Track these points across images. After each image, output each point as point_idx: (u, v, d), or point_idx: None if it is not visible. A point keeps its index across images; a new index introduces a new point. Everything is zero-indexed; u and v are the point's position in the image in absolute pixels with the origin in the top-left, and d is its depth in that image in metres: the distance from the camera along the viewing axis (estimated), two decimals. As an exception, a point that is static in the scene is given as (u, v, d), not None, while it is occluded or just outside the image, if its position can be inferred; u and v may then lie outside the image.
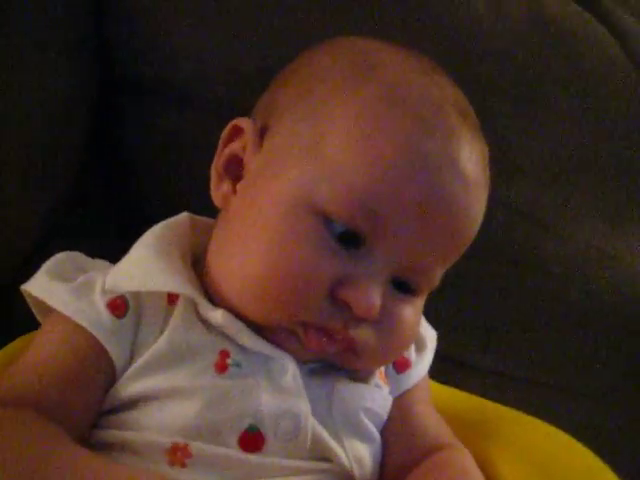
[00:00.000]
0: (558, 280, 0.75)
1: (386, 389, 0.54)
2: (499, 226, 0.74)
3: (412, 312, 0.51)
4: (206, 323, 0.49)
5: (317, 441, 0.48)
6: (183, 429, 0.46)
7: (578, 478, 0.48)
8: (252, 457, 0.46)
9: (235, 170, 0.52)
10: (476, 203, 0.49)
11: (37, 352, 0.49)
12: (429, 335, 0.59)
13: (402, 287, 0.50)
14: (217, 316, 0.49)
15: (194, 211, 0.57)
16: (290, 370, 0.49)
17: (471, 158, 0.48)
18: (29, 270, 0.53)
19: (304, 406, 0.48)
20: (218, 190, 0.52)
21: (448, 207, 0.47)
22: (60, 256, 0.53)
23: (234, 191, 0.51)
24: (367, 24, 0.74)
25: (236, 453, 0.46)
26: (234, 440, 0.46)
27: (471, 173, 0.48)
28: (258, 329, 0.49)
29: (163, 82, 0.72)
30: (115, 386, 0.48)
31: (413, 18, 0.75)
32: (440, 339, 0.73)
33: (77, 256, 0.54)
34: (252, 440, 0.47)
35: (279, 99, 0.52)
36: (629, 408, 0.75)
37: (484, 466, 0.51)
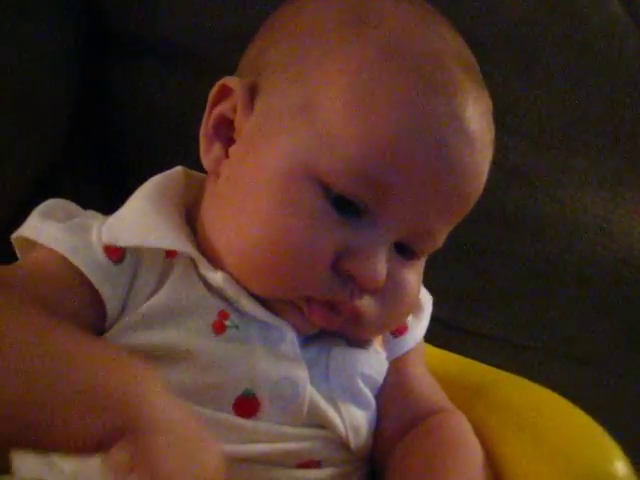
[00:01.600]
0: (555, 244, 0.75)
1: (383, 354, 0.53)
2: (495, 188, 0.73)
3: (415, 277, 0.50)
4: (206, 282, 0.48)
5: (314, 408, 0.47)
6: (178, 391, 0.43)
7: (572, 441, 0.47)
8: (246, 422, 0.46)
9: (226, 132, 0.49)
10: (482, 161, 0.48)
11: (19, 268, 0.47)
12: (426, 299, 0.58)
13: (405, 251, 0.48)
14: (217, 278, 0.47)
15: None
16: (288, 338, 0.48)
17: (475, 116, 0.46)
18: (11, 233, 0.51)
19: (302, 373, 0.47)
20: (209, 154, 0.50)
21: (454, 169, 0.46)
22: (51, 201, 0.50)
23: (226, 155, 0.49)
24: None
25: (230, 417, 0.45)
26: (229, 404, 0.45)
27: (476, 131, 0.46)
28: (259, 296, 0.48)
29: (148, 42, 0.70)
30: (108, 335, 0.46)
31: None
32: (435, 303, 0.73)
33: (68, 203, 0.51)
34: (247, 405, 0.46)
35: (268, 56, 0.49)
36: (625, 373, 0.75)
37: (476, 429, 0.51)
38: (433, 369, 0.57)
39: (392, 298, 0.48)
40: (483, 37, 0.75)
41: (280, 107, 0.47)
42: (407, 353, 0.54)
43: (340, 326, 0.48)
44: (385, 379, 0.52)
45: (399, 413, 0.51)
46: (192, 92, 0.66)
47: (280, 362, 0.47)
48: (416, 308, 0.54)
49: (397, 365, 0.53)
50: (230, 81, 0.50)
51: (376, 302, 0.47)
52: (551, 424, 0.49)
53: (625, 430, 0.71)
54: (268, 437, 0.46)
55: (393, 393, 0.52)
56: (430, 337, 0.70)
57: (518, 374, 0.67)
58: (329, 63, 0.46)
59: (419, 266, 0.50)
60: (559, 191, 0.75)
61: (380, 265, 0.46)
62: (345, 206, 0.45)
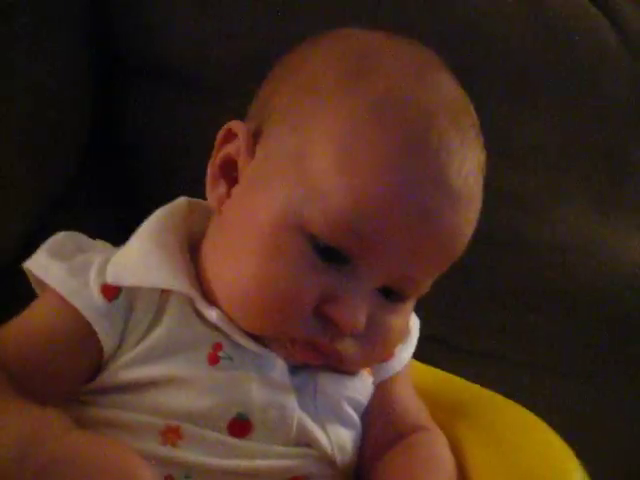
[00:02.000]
0: (541, 263, 0.78)
1: (370, 379, 0.56)
2: (483, 208, 0.76)
3: (399, 321, 0.52)
4: (201, 316, 0.52)
5: (301, 430, 0.51)
6: (176, 413, 0.49)
7: (533, 458, 0.51)
8: (239, 441, 0.50)
9: (231, 172, 0.53)
10: (465, 221, 0.49)
11: (24, 321, 0.51)
12: (414, 321, 0.61)
13: (391, 295, 0.51)
14: (212, 315, 0.51)
15: (191, 193, 0.58)
16: (278, 366, 0.52)
17: (460, 175, 0.48)
18: (30, 249, 0.54)
19: (291, 399, 0.51)
20: (213, 191, 0.53)
21: (434, 228, 0.48)
22: (60, 235, 0.54)
23: (229, 195, 0.53)
24: (363, 6, 0.75)
25: (224, 437, 0.49)
26: (223, 426, 0.49)
27: (460, 188, 0.48)
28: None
29: (163, 65, 0.73)
30: (108, 371, 0.50)
31: (405, 2, 0.76)
32: (425, 320, 0.76)
33: (77, 236, 0.55)
34: (240, 427, 0.50)
35: (272, 104, 0.52)
36: (609, 390, 0.78)
37: (453, 446, 0.54)
38: (416, 385, 0.60)
39: (373, 340, 0.51)
40: (474, 61, 0.77)
41: (277, 155, 0.50)
42: (393, 376, 0.57)
43: (323, 362, 0.51)
44: (370, 401, 0.56)
45: (381, 432, 0.55)
46: (202, 118, 0.69)
47: (270, 388, 0.51)
48: (399, 346, 0.56)
49: (382, 387, 0.57)
50: (235, 126, 0.53)
51: (357, 344, 0.50)
52: (517, 442, 0.53)
53: (612, 439, 0.75)
54: (260, 455, 0.50)
55: (376, 414, 0.55)
56: (420, 353, 0.74)
57: (504, 389, 0.71)
58: (323, 115, 0.48)
59: (405, 309, 0.53)
60: (546, 212, 0.78)
61: (359, 311, 0.48)
62: (329, 255, 0.48)
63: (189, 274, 0.53)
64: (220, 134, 0.54)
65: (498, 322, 0.77)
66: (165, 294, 0.52)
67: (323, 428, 0.52)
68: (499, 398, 0.59)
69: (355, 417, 0.54)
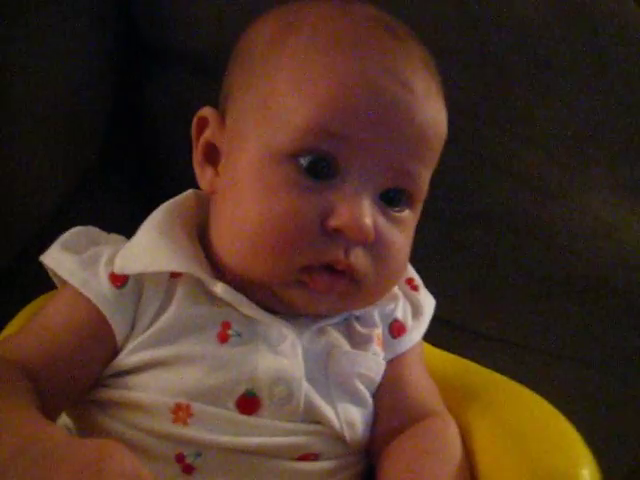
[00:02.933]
0: (562, 250, 0.77)
1: (382, 355, 0.57)
2: (504, 194, 0.76)
3: (404, 234, 0.53)
4: (211, 295, 0.53)
5: (310, 405, 0.51)
6: (186, 391, 0.50)
7: (544, 446, 0.50)
8: (248, 418, 0.50)
9: (214, 156, 0.55)
10: (427, 104, 0.52)
11: (43, 317, 0.53)
12: (428, 302, 0.62)
13: (393, 201, 0.52)
14: (218, 288, 0.52)
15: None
16: (289, 337, 0.52)
17: (407, 65, 0.51)
18: (52, 238, 0.56)
19: (298, 372, 0.52)
20: (203, 178, 0.56)
21: (397, 111, 0.50)
22: (75, 230, 0.56)
23: (217, 174, 0.55)
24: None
25: (233, 414, 0.50)
26: (232, 403, 0.50)
27: (412, 77, 0.51)
28: (264, 296, 0.53)
29: (184, 51, 0.74)
30: (121, 355, 0.52)
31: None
32: (443, 303, 0.76)
33: (91, 230, 0.57)
34: (248, 403, 0.51)
35: (228, 82, 0.56)
36: (626, 379, 0.77)
37: (465, 431, 0.54)
38: (430, 369, 0.60)
39: (383, 253, 0.52)
40: (493, 45, 0.76)
41: (242, 114, 0.53)
42: (405, 354, 0.58)
43: (343, 289, 0.52)
44: (382, 379, 0.56)
45: (391, 415, 0.55)
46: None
47: (278, 361, 0.51)
48: (405, 268, 0.58)
49: (394, 366, 0.57)
50: (204, 111, 0.56)
51: (368, 255, 0.51)
52: (528, 428, 0.52)
53: (627, 430, 0.74)
54: (269, 432, 0.51)
55: (389, 393, 0.56)
56: (435, 337, 0.74)
57: (519, 376, 0.70)
58: (269, 65, 0.53)
59: (409, 221, 0.54)
60: (569, 198, 0.77)
61: (363, 213, 0.50)
62: (316, 171, 0.50)
63: (196, 257, 0.54)
64: (194, 124, 0.57)
65: (518, 309, 0.77)
66: (174, 278, 0.53)
67: (332, 404, 0.53)
68: (512, 384, 0.59)
69: (367, 394, 0.55)
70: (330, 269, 0.51)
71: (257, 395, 0.51)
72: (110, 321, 0.51)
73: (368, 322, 0.57)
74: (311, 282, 0.51)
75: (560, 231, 0.77)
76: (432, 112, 0.53)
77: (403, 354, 0.58)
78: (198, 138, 0.57)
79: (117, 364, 0.52)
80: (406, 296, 0.61)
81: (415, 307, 0.60)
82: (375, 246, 0.51)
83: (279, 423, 0.51)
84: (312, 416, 0.52)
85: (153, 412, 0.50)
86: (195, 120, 0.57)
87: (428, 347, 0.64)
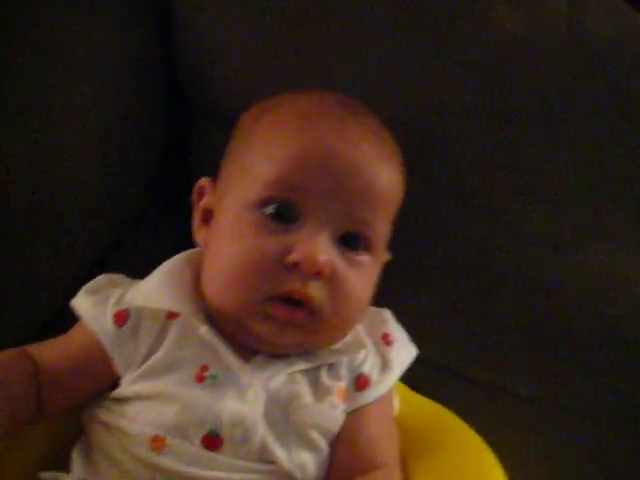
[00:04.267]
0: (570, 303, 0.77)
1: (341, 407, 0.62)
2: (509, 250, 0.78)
3: (363, 276, 0.61)
4: (199, 338, 0.62)
5: (264, 447, 0.59)
6: (163, 425, 0.59)
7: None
8: (211, 454, 0.58)
9: (209, 219, 0.65)
10: (373, 162, 0.61)
11: (64, 335, 0.65)
12: (401, 355, 0.66)
13: (352, 245, 0.61)
14: (202, 330, 0.61)
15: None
16: (254, 386, 0.60)
17: (355, 130, 0.61)
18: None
19: (256, 418, 0.59)
20: (199, 237, 0.66)
21: (346, 166, 0.59)
22: (101, 276, 0.67)
23: (208, 231, 0.65)
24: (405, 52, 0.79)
25: (199, 450, 0.58)
26: (198, 439, 0.59)
27: (361, 142, 0.60)
28: (242, 334, 0.61)
29: (221, 112, 0.82)
30: (122, 384, 0.62)
31: (443, 38, 0.79)
32: (444, 351, 0.81)
33: (115, 276, 0.67)
34: (212, 441, 0.59)
35: (226, 151, 0.67)
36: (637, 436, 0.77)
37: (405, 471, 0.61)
38: (401, 411, 0.67)
39: (338, 288, 0.60)
40: (519, 103, 0.78)
41: (227, 179, 0.64)
42: (367, 407, 0.63)
43: (303, 320, 0.59)
44: (341, 428, 0.62)
45: (343, 464, 0.61)
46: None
47: (242, 406, 0.59)
48: (363, 307, 0.64)
49: (354, 418, 0.62)
50: (202, 182, 0.67)
51: (325, 288, 0.59)
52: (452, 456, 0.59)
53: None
54: (229, 468, 0.58)
55: (343, 445, 0.62)
56: (433, 384, 0.78)
57: (520, 426, 0.75)
58: (248, 137, 0.64)
59: (368, 266, 0.62)
60: (581, 253, 0.77)
61: (318, 249, 0.58)
62: (282, 216, 0.59)
63: (194, 300, 0.63)
64: (194, 192, 0.67)
65: (518, 359, 0.79)
66: (170, 318, 0.63)
67: (287, 447, 0.60)
68: (465, 431, 0.65)
69: (321, 442, 0.61)
70: (290, 301, 0.59)
71: (220, 435, 0.59)
72: (110, 354, 0.62)
73: (335, 374, 0.63)
74: (274, 312, 0.59)
75: (567, 284, 0.78)
76: (381, 172, 0.61)
77: (364, 407, 0.63)
78: (198, 203, 0.67)
79: (118, 392, 0.62)
80: (378, 351, 0.66)
81: (384, 362, 0.65)
82: (331, 281, 0.59)
83: (237, 461, 0.59)
84: (266, 456, 0.59)
85: (136, 440, 0.59)
86: (195, 188, 0.67)
87: (405, 390, 0.70)
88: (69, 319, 0.65)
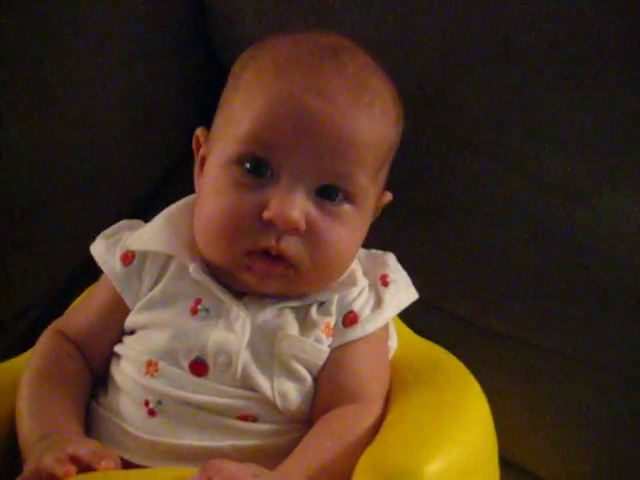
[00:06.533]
0: (589, 254, 0.74)
1: (327, 342, 0.64)
2: (529, 199, 0.76)
3: (344, 228, 0.62)
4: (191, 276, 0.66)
5: (246, 374, 0.62)
6: (155, 351, 0.64)
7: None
8: (198, 379, 0.62)
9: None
10: (350, 111, 0.60)
11: (88, 293, 0.72)
12: (397, 297, 0.67)
13: (330, 196, 0.61)
14: (191, 268, 0.65)
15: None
16: (241, 317, 0.64)
17: (332, 81, 0.61)
18: None
19: (239, 346, 0.62)
20: (197, 185, 0.69)
21: (316, 119, 0.59)
22: (121, 222, 0.72)
23: None
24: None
25: (187, 374, 0.63)
26: (186, 365, 0.63)
27: (333, 91, 0.60)
28: (229, 279, 0.64)
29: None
30: (129, 316, 0.67)
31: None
32: (461, 302, 0.80)
33: (135, 222, 0.72)
34: (198, 367, 0.63)
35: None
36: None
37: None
38: (400, 351, 0.68)
39: (316, 241, 0.61)
40: (526, 45, 0.75)
41: (214, 130, 0.66)
42: (353, 343, 0.64)
43: (282, 273, 0.62)
44: (327, 362, 0.64)
45: (326, 396, 0.63)
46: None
47: (227, 337, 0.63)
48: (346, 258, 0.65)
49: (340, 353, 0.64)
50: (197, 131, 0.70)
51: (300, 242, 0.61)
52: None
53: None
54: (214, 392, 0.62)
55: (327, 378, 0.63)
56: (446, 332, 0.78)
57: (535, 377, 0.73)
58: (232, 90, 0.65)
59: (350, 215, 0.63)
60: (599, 200, 0.74)
61: (292, 206, 0.59)
62: (257, 171, 0.61)
63: (187, 243, 0.67)
64: (193, 142, 0.70)
65: (534, 310, 0.76)
66: (170, 257, 0.67)
67: (270, 376, 0.62)
68: (459, 368, 0.66)
69: (305, 373, 0.63)
70: (268, 255, 0.61)
71: (205, 361, 0.63)
72: (121, 292, 0.67)
73: (325, 311, 0.65)
74: (253, 265, 0.62)
75: (587, 234, 0.74)
76: (358, 122, 0.61)
77: (351, 343, 0.64)
78: (196, 153, 0.70)
79: (126, 324, 0.67)
80: (374, 291, 0.67)
81: (378, 301, 0.66)
82: (308, 235, 0.61)
83: (222, 386, 0.62)
84: (249, 384, 0.62)
85: (133, 365, 0.65)
86: (194, 138, 0.70)
87: (409, 333, 0.71)
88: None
